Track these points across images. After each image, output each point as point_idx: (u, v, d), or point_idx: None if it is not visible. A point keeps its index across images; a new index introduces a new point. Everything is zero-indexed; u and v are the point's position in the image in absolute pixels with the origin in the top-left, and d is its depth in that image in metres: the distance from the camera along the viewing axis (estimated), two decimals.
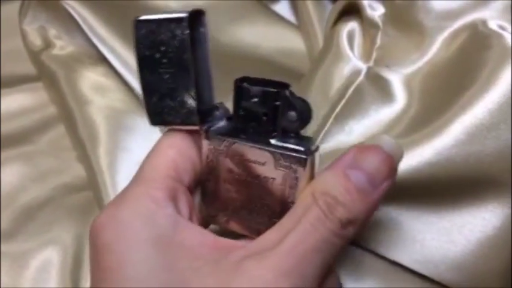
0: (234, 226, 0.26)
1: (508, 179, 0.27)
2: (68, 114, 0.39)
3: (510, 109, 0.27)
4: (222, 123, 0.25)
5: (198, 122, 0.25)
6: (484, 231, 0.28)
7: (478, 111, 0.27)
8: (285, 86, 0.23)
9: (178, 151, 0.25)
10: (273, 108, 0.23)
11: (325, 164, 0.27)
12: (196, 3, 0.43)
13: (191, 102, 0.24)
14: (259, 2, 0.43)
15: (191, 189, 0.26)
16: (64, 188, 0.36)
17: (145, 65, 0.24)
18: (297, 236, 0.21)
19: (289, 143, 0.23)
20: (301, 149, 0.23)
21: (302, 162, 0.23)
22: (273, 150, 0.23)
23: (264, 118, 0.23)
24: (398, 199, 0.29)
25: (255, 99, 0.23)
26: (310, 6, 0.41)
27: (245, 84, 0.23)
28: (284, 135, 0.24)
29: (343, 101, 0.32)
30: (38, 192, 0.36)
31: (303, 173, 0.23)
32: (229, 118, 0.25)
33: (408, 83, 0.32)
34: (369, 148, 0.22)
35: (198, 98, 0.24)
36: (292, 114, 0.23)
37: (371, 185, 0.22)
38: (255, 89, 0.23)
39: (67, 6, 0.41)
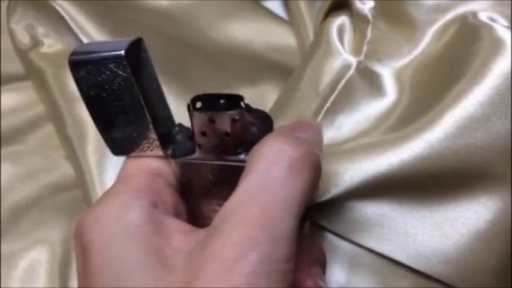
0: None
1: (499, 172, 0.27)
2: (57, 113, 0.39)
3: (501, 101, 0.27)
4: (186, 144, 0.24)
5: (161, 151, 0.24)
6: (476, 225, 0.28)
7: (469, 103, 0.27)
8: (239, 98, 0.22)
9: None
10: (233, 129, 0.22)
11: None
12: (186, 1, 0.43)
13: (149, 132, 0.24)
14: None
15: (176, 187, 0.25)
16: (53, 187, 0.36)
17: (94, 104, 0.23)
18: (259, 196, 0.20)
19: None
20: None
21: None
22: (243, 165, 0.22)
23: (227, 138, 0.23)
24: (390, 194, 0.28)
25: (213, 124, 0.22)
26: (301, 2, 0.41)
27: (200, 113, 0.22)
28: (251, 148, 0.23)
29: (333, 96, 0.31)
30: (26, 192, 0.36)
31: None
32: (191, 138, 0.24)
33: (399, 76, 0.31)
34: (301, 121, 0.23)
35: (157, 123, 0.24)
36: (253, 128, 0.23)
37: (317, 146, 0.22)
38: (210, 113, 0.22)
39: (55, 5, 0.41)
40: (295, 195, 0.20)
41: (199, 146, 0.24)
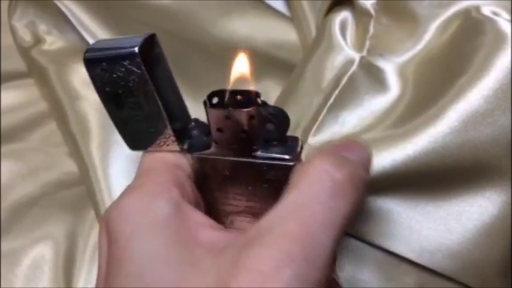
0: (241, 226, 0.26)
1: (503, 166, 0.27)
2: (59, 110, 0.39)
3: (504, 95, 0.27)
4: (202, 139, 0.24)
5: (176, 146, 0.24)
6: (481, 219, 0.28)
7: (473, 98, 0.27)
8: (256, 94, 0.22)
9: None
10: (249, 126, 0.22)
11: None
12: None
13: (165, 128, 0.24)
14: None
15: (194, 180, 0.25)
16: (55, 184, 0.36)
17: (110, 101, 0.23)
18: (301, 212, 0.19)
19: (274, 152, 0.23)
20: (287, 157, 0.23)
21: (291, 169, 0.22)
22: (260, 161, 0.23)
23: (243, 135, 0.23)
24: (395, 189, 0.28)
25: (229, 120, 0.22)
26: None
27: (216, 109, 0.22)
28: (267, 144, 0.23)
29: (337, 92, 0.31)
30: (29, 189, 0.36)
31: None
32: (207, 134, 0.24)
33: (402, 71, 0.31)
34: (352, 142, 0.23)
35: (172, 118, 0.24)
36: (270, 125, 0.23)
37: (363, 168, 0.22)
38: (227, 110, 0.22)
39: (56, 2, 0.40)
40: (336, 218, 0.20)
41: (216, 142, 0.23)
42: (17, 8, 0.42)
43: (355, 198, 0.20)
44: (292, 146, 0.23)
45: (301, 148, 0.23)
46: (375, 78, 0.31)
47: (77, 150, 0.36)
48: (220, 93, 0.23)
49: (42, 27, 0.41)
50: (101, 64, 0.22)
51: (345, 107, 0.31)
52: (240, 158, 0.23)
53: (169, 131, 0.24)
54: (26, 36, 0.41)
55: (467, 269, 0.28)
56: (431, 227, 0.28)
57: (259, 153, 0.23)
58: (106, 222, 0.22)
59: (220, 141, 0.23)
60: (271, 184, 0.23)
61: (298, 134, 0.31)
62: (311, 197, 0.20)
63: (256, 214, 0.25)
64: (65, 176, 0.36)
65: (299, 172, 0.21)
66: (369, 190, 0.28)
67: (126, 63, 0.22)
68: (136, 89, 0.23)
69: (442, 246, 0.28)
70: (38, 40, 0.41)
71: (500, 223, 0.27)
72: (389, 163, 0.27)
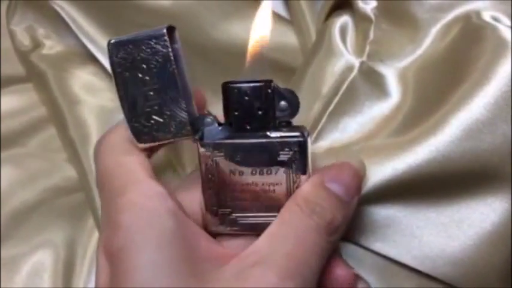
0: (240, 229, 0.26)
1: (505, 173, 0.27)
2: (59, 115, 0.39)
3: (505, 103, 0.27)
4: (213, 129, 0.25)
5: (191, 132, 0.25)
6: (482, 226, 0.28)
7: (474, 106, 0.27)
8: (268, 80, 0.24)
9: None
10: (266, 101, 0.24)
11: (322, 161, 0.27)
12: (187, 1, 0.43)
13: (181, 113, 0.25)
14: None
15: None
16: (54, 190, 0.36)
17: (127, 87, 0.24)
18: (293, 240, 0.23)
19: (285, 132, 0.25)
20: (297, 134, 0.24)
21: (302, 146, 0.24)
22: (272, 141, 0.24)
23: (259, 112, 0.24)
24: (396, 197, 0.28)
25: (247, 97, 0.24)
26: (303, 1, 0.41)
27: (235, 85, 0.24)
28: (278, 128, 0.25)
29: (337, 98, 0.31)
30: (28, 196, 0.36)
31: (303, 156, 0.24)
32: (219, 124, 0.25)
33: (402, 76, 0.31)
34: (342, 164, 0.25)
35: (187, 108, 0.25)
36: (283, 103, 0.25)
37: (347, 195, 0.24)
38: (245, 86, 0.24)
39: (55, 6, 0.40)
40: (321, 247, 0.23)
41: (230, 124, 0.25)
42: (15, 12, 0.42)
43: (334, 242, 0.24)
44: (301, 130, 0.25)
45: (309, 133, 0.25)
46: (375, 84, 0.31)
47: (76, 155, 0.36)
48: (234, 82, 0.25)
49: (41, 32, 0.41)
50: (127, 46, 0.24)
51: (345, 114, 0.31)
52: (254, 139, 0.24)
53: (183, 116, 0.25)
54: (25, 41, 0.41)
55: (468, 276, 0.28)
56: (432, 234, 0.28)
57: (273, 134, 0.24)
58: (107, 240, 0.23)
59: (236, 122, 0.25)
60: (283, 167, 0.25)
61: None
62: (296, 234, 0.23)
63: (260, 209, 0.26)
64: (64, 182, 0.36)
65: (288, 202, 0.24)
66: (370, 198, 0.28)
67: (152, 43, 0.24)
68: (159, 71, 0.24)
69: (443, 253, 0.28)
70: (36, 44, 0.41)
71: (502, 230, 0.27)
72: (390, 172, 0.27)
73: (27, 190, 0.36)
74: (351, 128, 0.31)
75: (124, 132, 0.25)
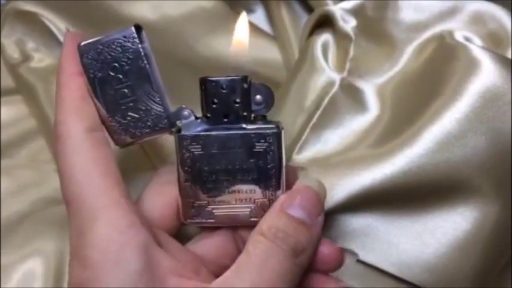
0: (217, 221, 0.27)
1: (475, 184, 0.29)
2: (48, 127, 0.39)
3: (476, 118, 0.28)
4: (190, 122, 0.26)
5: (168, 124, 0.26)
6: (454, 234, 0.29)
7: (446, 120, 0.29)
8: (245, 75, 0.26)
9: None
10: (243, 93, 0.26)
11: (309, 171, 0.28)
12: (171, 14, 0.43)
13: (156, 107, 0.25)
14: (235, 12, 0.44)
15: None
16: (44, 201, 0.36)
17: (101, 87, 0.25)
18: (258, 267, 0.23)
19: (261, 125, 0.26)
20: (272, 126, 0.26)
21: (277, 137, 0.25)
22: (248, 132, 0.26)
23: (237, 105, 0.26)
24: (374, 206, 0.30)
25: (224, 90, 0.25)
26: (286, 17, 0.42)
27: (213, 78, 0.26)
28: (254, 122, 0.26)
29: (319, 112, 0.33)
30: (17, 207, 0.36)
31: (278, 147, 0.26)
32: (196, 117, 0.26)
33: (380, 92, 0.33)
34: (300, 189, 0.26)
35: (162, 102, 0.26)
36: (259, 97, 0.26)
37: (309, 217, 0.25)
38: (223, 80, 0.25)
39: (44, 19, 0.41)
40: (282, 276, 0.24)
41: (207, 118, 0.26)
42: (4, 25, 0.42)
43: (303, 266, 0.25)
44: (276, 123, 0.26)
45: (283, 127, 0.26)
46: (355, 98, 0.33)
47: None
48: (211, 77, 0.26)
49: (30, 45, 0.41)
50: (96, 46, 0.25)
51: (327, 127, 0.32)
52: (231, 131, 0.26)
53: (159, 109, 0.25)
54: (14, 54, 0.41)
55: (443, 282, 0.29)
56: (408, 241, 0.30)
57: (247, 125, 0.26)
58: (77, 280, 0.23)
59: (213, 114, 0.26)
60: (258, 159, 0.26)
61: None
62: (261, 255, 0.24)
63: (239, 200, 0.26)
64: (55, 193, 0.36)
65: (253, 233, 0.25)
66: (350, 207, 0.29)
67: (121, 41, 0.25)
68: (130, 67, 0.25)
69: (419, 260, 0.29)
70: (26, 57, 0.41)
71: (473, 238, 0.29)
72: (370, 182, 0.28)
73: (17, 201, 0.36)
74: (332, 140, 0.32)
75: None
